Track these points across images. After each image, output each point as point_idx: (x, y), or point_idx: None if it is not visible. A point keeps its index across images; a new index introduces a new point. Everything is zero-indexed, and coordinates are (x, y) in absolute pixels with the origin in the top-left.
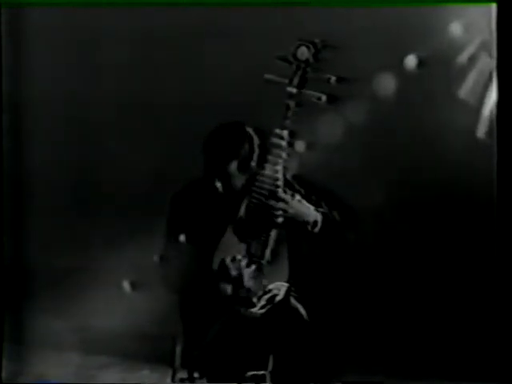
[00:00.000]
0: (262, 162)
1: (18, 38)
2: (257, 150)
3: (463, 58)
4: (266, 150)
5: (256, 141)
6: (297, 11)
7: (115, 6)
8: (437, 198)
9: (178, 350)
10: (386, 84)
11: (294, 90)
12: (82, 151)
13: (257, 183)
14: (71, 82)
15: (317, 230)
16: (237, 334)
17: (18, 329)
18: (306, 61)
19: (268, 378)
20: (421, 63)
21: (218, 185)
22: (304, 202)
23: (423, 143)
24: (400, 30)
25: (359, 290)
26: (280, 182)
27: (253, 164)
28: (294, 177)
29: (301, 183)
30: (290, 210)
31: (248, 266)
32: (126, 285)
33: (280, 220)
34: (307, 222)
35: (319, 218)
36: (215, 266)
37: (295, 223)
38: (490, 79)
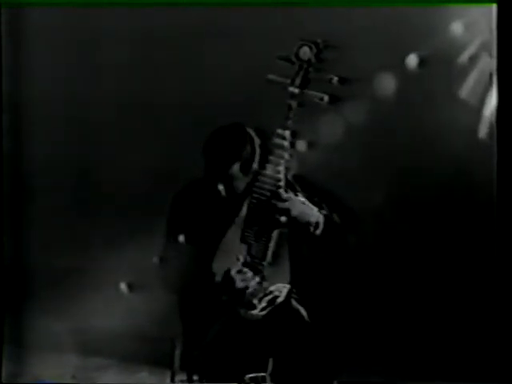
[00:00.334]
0: (264, 162)
1: (17, 38)
2: (258, 151)
3: (464, 57)
4: (268, 150)
5: (257, 141)
6: (297, 11)
7: (115, 6)
8: (437, 198)
9: (177, 351)
10: (387, 84)
11: (296, 91)
12: (82, 151)
13: (258, 184)
14: (71, 82)
15: (318, 231)
16: (237, 336)
17: (16, 330)
18: (308, 61)
19: (268, 379)
20: (422, 63)
21: (221, 188)
22: (307, 202)
23: (424, 143)
24: (401, 29)
25: (359, 291)
26: (282, 183)
27: (254, 166)
28: (295, 177)
29: (301, 184)
30: (294, 210)
31: (253, 277)
32: (123, 286)
33: (283, 219)
34: (309, 223)
35: (321, 219)
36: (218, 277)
37: (297, 224)
38: (490, 79)
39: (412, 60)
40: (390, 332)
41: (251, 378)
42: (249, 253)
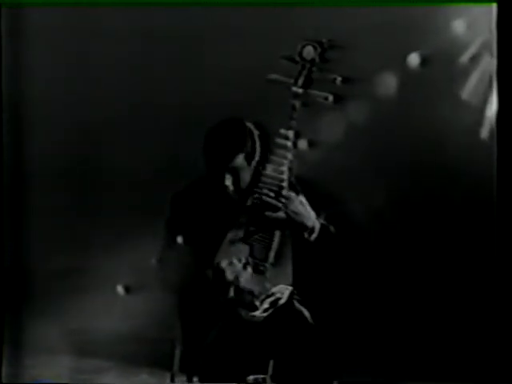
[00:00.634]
0: (265, 153)
1: (17, 38)
2: (258, 142)
3: (465, 57)
4: (268, 142)
5: (256, 133)
6: (298, 11)
7: (115, 6)
8: (437, 197)
9: (177, 353)
10: (389, 83)
11: (300, 90)
12: (82, 151)
13: (261, 184)
14: (71, 82)
15: (313, 237)
16: (238, 337)
17: (14, 331)
18: (312, 60)
19: (269, 381)
20: (424, 61)
21: (228, 178)
22: (307, 205)
23: (425, 142)
24: (402, 28)
25: (359, 291)
26: (285, 183)
27: (256, 158)
28: (298, 179)
29: (303, 186)
30: (291, 207)
31: (244, 268)
32: (120, 288)
33: (281, 215)
34: (305, 227)
35: (317, 225)
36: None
37: (292, 223)
38: (492, 80)
39: (414, 59)
40: (391, 332)
41: (252, 379)
42: (251, 254)
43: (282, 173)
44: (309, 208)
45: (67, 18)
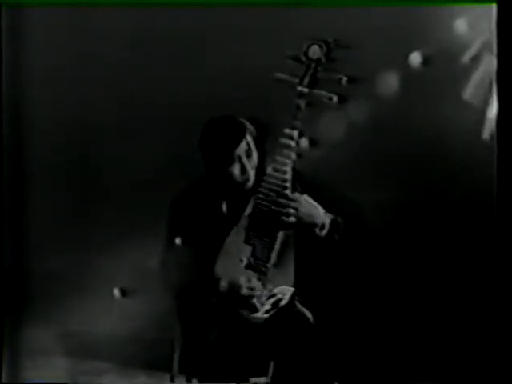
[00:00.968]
0: (262, 147)
1: (18, 38)
2: (252, 137)
3: (466, 57)
4: (264, 137)
5: (250, 127)
6: (299, 11)
7: (116, 6)
8: (438, 197)
9: (177, 354)
10: (390, 82)
11: (306, 90)
12: (82, 151)
13: (264, 184)
14: (72, 82)
15: (323, 233)
16: (238, 338)
17: (12, 334)
18: (318, 60)
19: None
20: (425, 61)
21: (236, 168)
22: (313, 202)
23: (426, 142)
24: (404, 28)
25: (359, 291)
26: (288, 183)
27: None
28: (300, 177)
29: (306, 186)
30: (302, 210)
31: (246, 268)
32: (118, 290)
33: (292, 220)
34: (315, 224)
35: (327, 221)
36: (223, 282)
37: (303, 225)
38: (493, 80)
39: (415, 58)
40: (393, 332)
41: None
42: (253, 254)
43: (285, 173)
44: (317, 205)
45: (67, 18)
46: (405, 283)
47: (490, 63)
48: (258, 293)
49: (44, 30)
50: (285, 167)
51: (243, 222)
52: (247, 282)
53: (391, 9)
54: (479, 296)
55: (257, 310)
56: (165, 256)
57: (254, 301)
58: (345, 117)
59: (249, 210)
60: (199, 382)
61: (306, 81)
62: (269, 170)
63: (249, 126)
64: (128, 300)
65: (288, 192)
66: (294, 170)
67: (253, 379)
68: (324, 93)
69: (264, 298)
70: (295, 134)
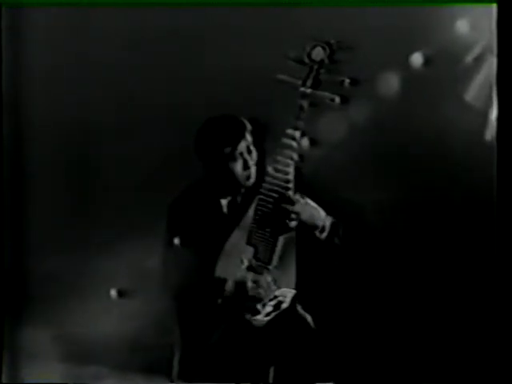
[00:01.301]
0: (261, 145)
1: (18, 38)
2: (254, 132)
3: (469, 58)
4: (263, 136)
5: (250, 126)
6: (299, 11)
7: (116, 6)
8: (438, 198)
9: (176, 359)
10: (391, 83)
11: (308, 91)
12: (81, 152)
13: (266, 185)
14: (71, 82)
15: (323, 236)
16: (240, 341)
17: (11, 338)
18: (321, 61)
19: None
20: (427, 61)
21: (239, 164)
22: (314, 204)
23: (427, 143)
24: (405, 28)
25: (359, 292)
26: (291, 184)
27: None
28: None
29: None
30: (304, 213)
31: (248, 270)
32: (117, 291)
33: (294, 224)
34: (316, 226)
35: (328, 223)
36: (229, 284)
37: (304, 227)
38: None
39: (416, 59)
40: (393, 335)
41: None
42: (255, 256)
43: (287, 173)
44: (318, 207)
45: (67, 18)
46: (405, 284)
47: (492, 65)
48: (259, 295)
49: (44, 30)
50: (287, 168)
51: (245, 222)
52: (248, 282)
53: (392, 9)
54: (480, 298)
55: (258, 313)
56: (165, 258)
57: (256, 303)
58: (346, 117)
59: (251, 210)
60: (200, 382)
61: (309, 82)
62: (270, 170)
63: (248, 125)
64: (127, 301)
65: (291, 193)
66: (296, 170)
67: None
68: (327, 94)
69: (266, 301)
70: (297, 134)
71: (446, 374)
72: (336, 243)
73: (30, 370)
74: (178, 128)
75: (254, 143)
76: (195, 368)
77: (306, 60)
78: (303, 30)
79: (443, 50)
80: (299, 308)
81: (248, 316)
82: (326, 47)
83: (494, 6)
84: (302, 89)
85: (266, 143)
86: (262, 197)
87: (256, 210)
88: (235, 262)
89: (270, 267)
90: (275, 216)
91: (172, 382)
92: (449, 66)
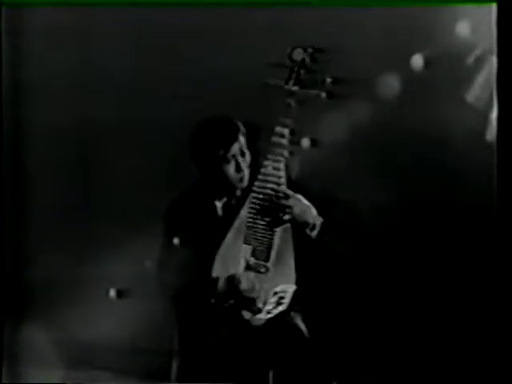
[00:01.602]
0: (255, 146)
1: (18, 38)
2: (247, 134)
3: (470, 59)
4: (256, 137)
5: (243, 128)
6: (299, 12)
7: (115, 6)
8: (437, 198)
9: (175, 364)
10: (391, 84)
11: (294, 89)
12: (81, 152)
13: (258, 182)
14: (71, 82)
15: (314, 234)
16: (240, 344)
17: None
18: (303, 60)
19: None
20: (427, 63)
21: (231, 166)
22: (306, 201)
23: (427, 144)
24: (405, 30)
25: (356, 294)
26: (283, 180)
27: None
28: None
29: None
30: (296, 208)
31: (246, 269)
32: (112, 293)
33: (287, 217)
34: (307, 224)
35: (318, 222)
36: (221, 282)
37: (295, 223)
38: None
39: (417, 60)
40: (390, 336)
41: None
42: (253, 254)
43: (279, 169)
44: (309, 205)
45: (67, 18)
46: (405, 284)
47: (493, 65)
48: (259, 292)
49: (44, 30)
50: (278, 164)
51: (239, 223)
52: (247, 280)
53: (392, 10)
54: (480, 301)
55: (259, 311)
56: (162, 262)
57: (256, 302)
58: (346, 119)
59: (244, 211)
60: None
61: (293, 81)
62: (262, 169)
63: (241, 127)
64: (127, 302)
65: (283, 188)
66: (287, 167)
67: None
68: (312, 91)
69: (266, 298)
70: (286, 132)
71: (442, 377)
72: (326, 242)
73: (31, 370)
74: (179, 127)
75: (248, 145)
76: (194, 371)
77: (288, 61)
78: (306, 31)
79: (444, 51)
80: (293, 315)
81: (248, 315)
82: (307, 48)
83: (494, 6)
84: (288, 86)
85: (260, 144)
86: (254, 195)
87: (250, 208)
88: (232, 263)
89: (269, 264)
90: (269, 210)
91: None
92: (450, 67)
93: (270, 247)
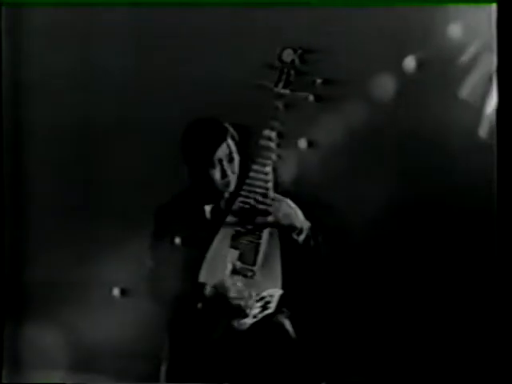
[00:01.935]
0: (244, 149)
1: (18, 38)
2: (236, 137)
3: (464, 59)
4: (246, 139)
5: (232, 131)
6: (295, 12)
7: (115, 6)
8: (437, 199)
9: (164, 367)
10: (385, 86)
11: (282, 91)
12: (82, 152)
13: (246, 186)
14: (71, 82)
15: (301, 238)
16: (228, 348)
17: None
18: (292, 62)
19: None
20: (420, 65)
21: (217, 172)
22: (294, 205)
23: (422, 145)
24: (399, 30)
25: (354, 296)
26: (270, 184)
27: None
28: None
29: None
30: (281, 210)
31: (232, 273)
32: (115, 292)
33: (270, 219)
34: (293, 228)
35: (306, 226)
36: (208, 288)
37: (281, 226)
38: (492, 78)
39: (410, 62)
40: (384, 340)
41: None
42: (239, 258)
43: (266, 173)
44: (297, 209)
45: (67, 18)
46: (405, 284)
47: (488, 63)
48: (245, 297)
49: (44, 30)
50: (265, 168)
51: (227, 226)
52: (233, 285)
53: (386, 10)
54: (480, 303)
55: (246, 316)
56: (151, 266)
57: (243, 306)
58: (340, 121)
59: (232, 212)
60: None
61: (282, 83)
62: (251, 173)
63: (231, 129)
64: (127, 302)
65: (269, 192)
66: (275, 170)
67: None
68: (300, 93)
69: (252, 302)
70: (273, 135)
71: (434, 378)
72: (312, 246)
73: (31, 370)
74: (179, 127)
75: (238, 149)
76: (183, 373)
77: (277, 62)
78: (301, 32)
79: (439, 51)
80: (279, 316)
81: (236, 322)
82: (297, 49)
83: (489, 7)
84: (277, 89)
85: (250, 149)
86: (241, 198)
87: (236, 212)
88: (219, 267)
89: (255, 268)
90: (253, 213)
91: None
92: (443, 68)
93: (256, 251)
